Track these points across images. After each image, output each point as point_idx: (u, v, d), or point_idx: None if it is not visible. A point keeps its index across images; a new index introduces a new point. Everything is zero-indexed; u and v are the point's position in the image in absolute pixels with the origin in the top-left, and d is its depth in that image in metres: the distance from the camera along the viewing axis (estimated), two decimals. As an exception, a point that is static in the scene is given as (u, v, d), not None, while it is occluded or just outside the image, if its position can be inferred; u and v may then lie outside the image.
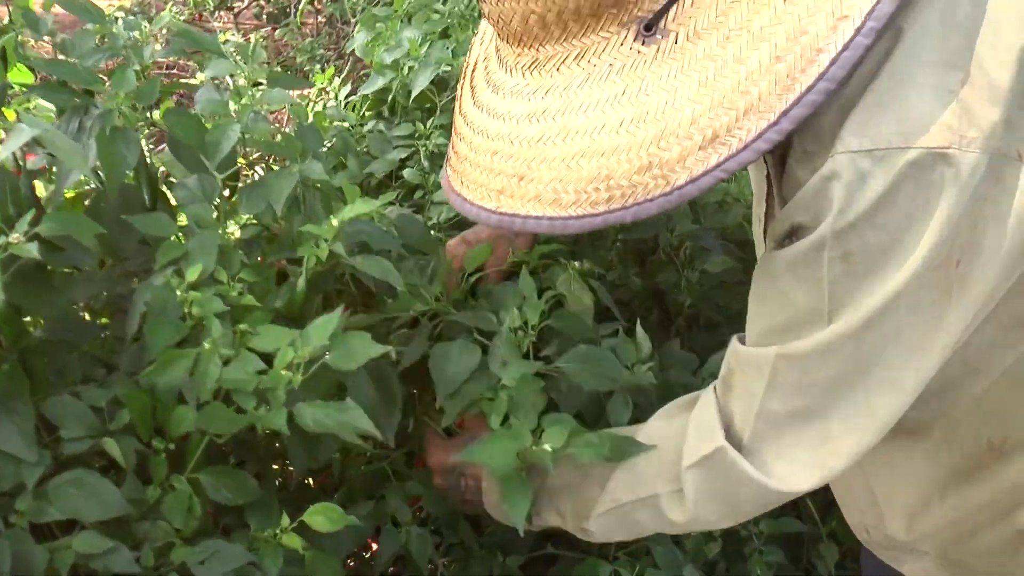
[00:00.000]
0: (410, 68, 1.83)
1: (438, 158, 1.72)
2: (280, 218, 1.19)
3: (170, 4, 4.19)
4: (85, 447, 1.08)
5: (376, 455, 1.37)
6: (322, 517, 1.09)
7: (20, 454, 1.02)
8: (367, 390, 1.16)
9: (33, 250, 0.98)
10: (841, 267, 0.86)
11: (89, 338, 1.22)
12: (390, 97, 1.90)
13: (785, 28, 0.78)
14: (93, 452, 1.08)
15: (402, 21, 2.05)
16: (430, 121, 1.79)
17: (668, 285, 1.76)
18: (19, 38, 1.29)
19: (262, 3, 4.81)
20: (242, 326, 1.09)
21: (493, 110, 0.94)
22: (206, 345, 1.05)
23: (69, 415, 1.08)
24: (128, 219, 1.14)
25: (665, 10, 0.81)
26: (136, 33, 1.21)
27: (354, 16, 3.13)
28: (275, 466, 1.38)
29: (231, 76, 1.24)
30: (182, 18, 4.18)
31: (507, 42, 0.90)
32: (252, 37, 4.66)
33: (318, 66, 4.06)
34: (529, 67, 0.89)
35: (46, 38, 1.27)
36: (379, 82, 1.88)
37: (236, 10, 4.83)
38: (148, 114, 1.21)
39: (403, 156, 1.77)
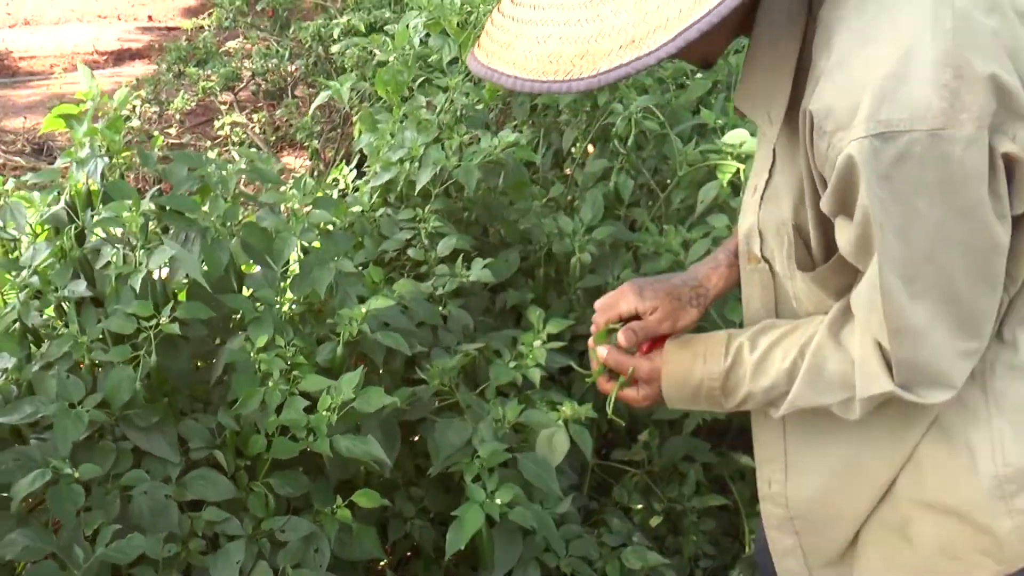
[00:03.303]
0: (412, 164, 2.54)
1: (436, 238, 2.41)
2: (322, 300, 1.90)
3: (182, 92, 4.98)
4: (204, 455, 1.79)
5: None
6: (365, 498, 1.81)
7: (167, 457, 1.73)
8: (375, 432, 1.84)
9: (176, 328, 1.70)
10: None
11: (193, 382, 1.94)
12: (399, 187, 2.60)
13: None
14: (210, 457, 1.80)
15: (399, 122, 2.76)
16: (428, 207, 2.50)
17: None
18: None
19: (259, 82, 5.61)
20: (294, 373, 1.81)
21: (518, 2, 1.26)
22: (270, 384, 1.77)
23: (194, 433, 1.80)
24: (221, 298, 1.86)
25: None
26: (224, 171, 1.91)
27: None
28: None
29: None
30: (193, 104, 4.96)
31: None
32: (255, 117, 5.47)
33: (316, 141, 4.84)
34: None
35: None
36: (386, 176, 2.59)
37: (236, 89, 5.63)
38: (234, 226, 1.92)
39: (408, 237, 2.47)
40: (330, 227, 2.34)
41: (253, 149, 5.21)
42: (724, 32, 1.34)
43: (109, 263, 1.80)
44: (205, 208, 1.86)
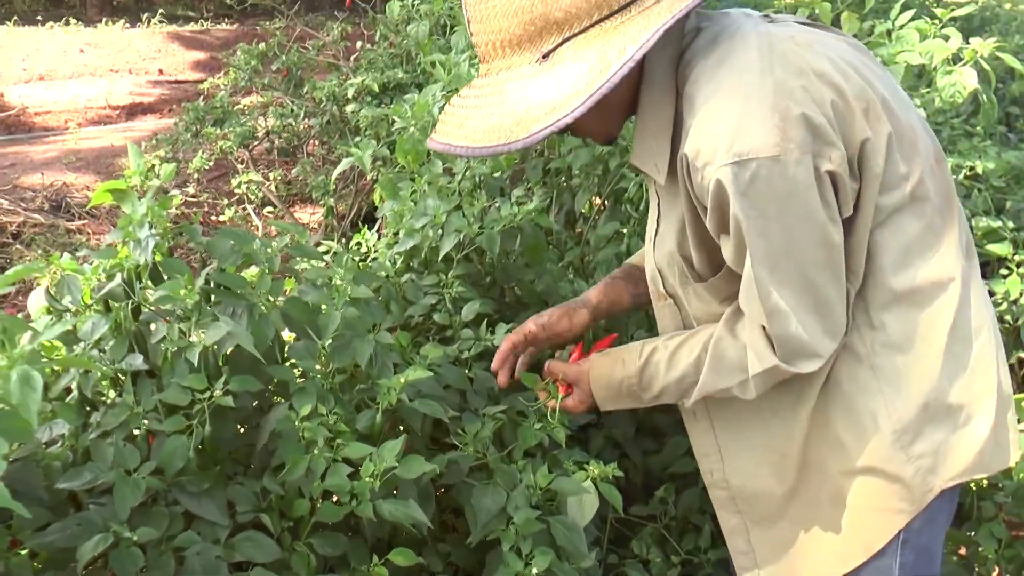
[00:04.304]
0: (435, 231, 2.67)
1: (460, 302, 2.55)
2: (360, 369, 2.02)
3: (200, 152, 5.14)
4: (250, 518, 1.91)
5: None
6: (401, 557, 1.92)
7: (217, 520, 1.85)
8: (412, 494, 1.96)
9: (230, 401, 1.82)
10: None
11: (238, 447, 2.06)
12: (422, 253, 2.73)
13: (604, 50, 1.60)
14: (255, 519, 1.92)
15: (421, 190, 2.89)
16: (451, 272, 2.63)
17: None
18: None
19: (273, 139, 5.78)
20: (337, 441, 1.93)
21: (465, 95, 1.74)
22: (315, 451, 1.89)
23: (242, 497, 1.92)
24: (269, 369, 1.99)
25: (553, 49, 1.62)
26: (269, 249, 2.04)
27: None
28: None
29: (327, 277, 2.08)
30: (211, 163, 5.12)
31: (481, 61, 1.71)
32: (271, 175, 5.64)
33: (331, 199, 4.98)
34: (486, 73, 1.71)
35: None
36: (410, 243, 2.72)
37: (251, 147, 5.79)
38: (277, 300, 2.04)
39: (433, 302, 2.60)
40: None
41: (271, 207, 5.39)
42: (618, 113, 1.83)
43: (164, 337, 1.92)
44: (251, 280, 1.99)
